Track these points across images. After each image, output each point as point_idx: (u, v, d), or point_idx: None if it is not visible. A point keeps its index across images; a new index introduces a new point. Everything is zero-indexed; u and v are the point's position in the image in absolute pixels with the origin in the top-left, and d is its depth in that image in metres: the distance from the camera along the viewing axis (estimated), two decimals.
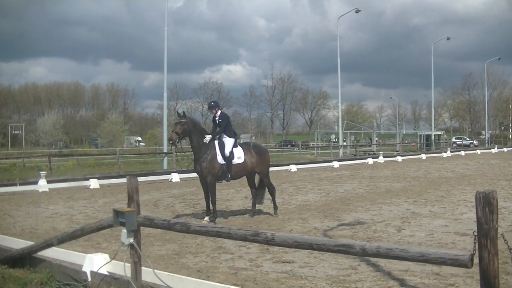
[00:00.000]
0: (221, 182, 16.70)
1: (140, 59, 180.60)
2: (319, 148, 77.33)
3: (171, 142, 16.04)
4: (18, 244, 10.99)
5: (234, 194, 22.67)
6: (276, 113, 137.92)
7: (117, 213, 7.75)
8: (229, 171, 15.82)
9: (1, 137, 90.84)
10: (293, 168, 38.48)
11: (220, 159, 15.72)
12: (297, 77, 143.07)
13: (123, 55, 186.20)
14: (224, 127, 16.21)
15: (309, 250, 7.71)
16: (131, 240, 7.60)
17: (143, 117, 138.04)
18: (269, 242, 6.31)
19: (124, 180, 19.70)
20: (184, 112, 16.11)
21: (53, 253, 9.88)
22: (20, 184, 26.15)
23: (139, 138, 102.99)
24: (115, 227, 8.01)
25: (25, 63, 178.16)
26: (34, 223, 15.90)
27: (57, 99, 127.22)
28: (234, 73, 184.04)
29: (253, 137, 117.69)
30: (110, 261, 8.53)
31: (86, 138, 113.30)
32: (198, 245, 11.97)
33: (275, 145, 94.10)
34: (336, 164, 43.05)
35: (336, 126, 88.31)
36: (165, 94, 48.99)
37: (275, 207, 17.01)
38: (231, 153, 15.89)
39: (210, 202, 15.93)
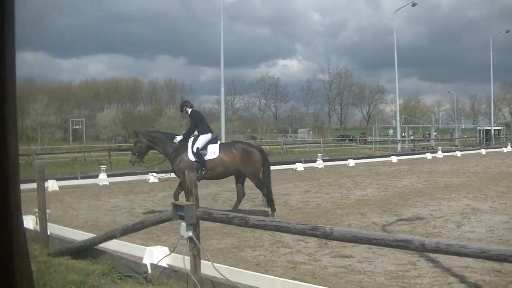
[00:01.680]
0: (199, 180, 16.24)
1: (195, 54, 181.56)
2: (377, 142, 76.60)
3: (131, 163, 16.62)
4: (80, 236, 11.21)
5: (292, 189, 22.61)
6: (333, 107, 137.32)
7: (177, 206, 7.79)
8: (202, 166, 15.57)
9: (63, 132, 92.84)
10: (351, 162, 38.20)
11: (190, 156, 15.65)
12: (353, 71, 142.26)
13: (179, 50, 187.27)
14: (195, 124, 16.15)
15: (367, 245, 7.62)
16: (190, 233, 7.62)
17: (201, 112, 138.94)
18: (328, 236, 6.24)
19: None
20: (135, 131, 16.82)
21: (114, 245, 10.03)
22: (81, 178, 26.68)
23: (197, 133, 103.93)
24: (174, 220, 8.05)
25: (84, 60, 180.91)
26: (96, 216, 16.19)
27: (116, 94, 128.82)
28: (290, 68, 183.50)
29: (311, 132, 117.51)
30: (170, 254, 8.60)
31: None
32: (257, 239, 11.97)
33: (333, 140, 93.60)
34: (394, 159, 42.61)
35: (393, 121, 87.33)
36: (222, 89, 49.35)
37: (235, 207, 15.96)
38: (204, 148, 15.70)
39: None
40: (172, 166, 16.04)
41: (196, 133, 16.14)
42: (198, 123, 16.19)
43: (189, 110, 16.44)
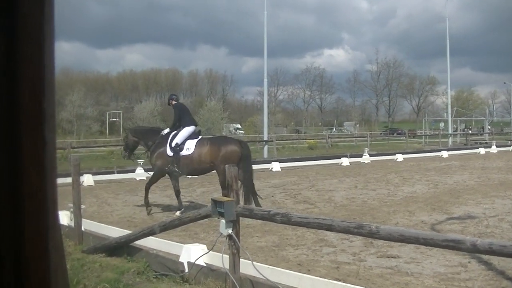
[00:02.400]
0: (180, 177, 16.50)
1: (237, 44, 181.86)
2: (427, 136, 75.78)
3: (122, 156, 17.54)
4: (115, 232, 11.38)
5: (337, 185, 22.55)
6: (381, 99, 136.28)
7: (216, 203, 7.84)
8: (176, 163, 15.62)
9: (99, 124, 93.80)
10: (400, 157, 37.92)
11: (168, 151, 15.73)
12: (402, 61, 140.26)
13: (220, 40, 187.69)
14: (178, 117, 16.31)
15: (415, 245, 7.57)
16: (230, 231, 7.67)
17: (242, 104, 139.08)
18: (374, 235, 6.23)
19: None
20: (124, 128, 17.76)
21: (150, 243, 10.15)
22: (118, 172, 26.96)
23: (239, 126, 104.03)
24: (213, 217, 8.11)
25: (121, 50, 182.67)
26: (131, 212, 16.40)
27: (155, 86, 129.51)
28: (336, 58, 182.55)
29: (357, 125, 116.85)
30: (208, 252, 8.65)
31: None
32: (299, 237, 11.99)
33: (381, 133, 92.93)
34: (445, 153, 42.16)
35: (445, 114, 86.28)
36: (265, 80, 49.28)
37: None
38: (183, 143, 15.74)
39: (176, 195, 16.19)
40: (150, 160, 16.36)
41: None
42: (182, 115, 16.35)
43: (174, 103, 16.76)
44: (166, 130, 16.37)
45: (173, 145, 15.67)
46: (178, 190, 16.16)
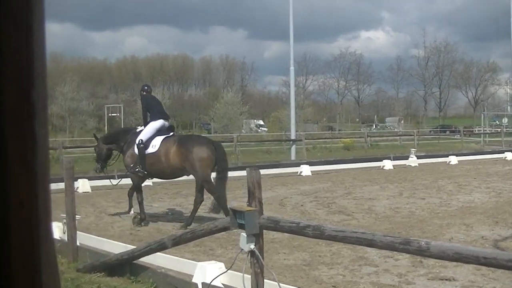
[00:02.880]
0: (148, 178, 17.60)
1: (258, 26, 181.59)
2: (487, 135, 75.37)
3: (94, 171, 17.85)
4: (117, 248, 11.39)
5: (378, 192, 22.49)
6: (430, 91, 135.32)
7: (235, 212, 7.83)
8: (140, 162, 15.95)
9: (96, 120, 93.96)
10: (453, 160, 37.78)
11: (135, 148, 16.07)
12: (456, 45, 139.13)
13: (237, 20, 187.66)
14: (145, 110, 16.87)
15: (475, 266, 7.51)
16: (252, 246, 7.65)
17: (265, 96, 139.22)
18: (423, 253, 6.18)
19: (243, 173, 19.99)
20: (94, 134, 18.51)
21: (158, 260, 10.16)
22: (119, 177, 27.01)
23: (261, 122, 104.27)
24: (233, 230, 8.11)
25: (120, 32, 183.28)
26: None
27: (161, 75, 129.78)
28: (375, 41, 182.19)
29: (402, 121, 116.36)
30: (226, 271, 8.65)
31: (197, 122, 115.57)
32: (334, 254, 11.96)
33: (430, 131, 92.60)
34: (509, 155, 41.87)
35: (509, 107, 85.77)
36: (291, 68, 49.19)
37: (188, 221, 15.75)
38: (148, 140, 16.04)
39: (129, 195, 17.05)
40: (124, 162, 16.76)
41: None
42: (149, 108, 16.67)
43: (143, 94, 17.31)
44: (140, 128, 16.66)
45: (137, 141, 16.02)
46: (135, 189, 16.62)
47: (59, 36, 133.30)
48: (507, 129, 72.98)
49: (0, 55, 1.10)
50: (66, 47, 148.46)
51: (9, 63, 1.10)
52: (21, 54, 1.12)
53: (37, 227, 1.14)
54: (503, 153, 43.66)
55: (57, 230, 12.23)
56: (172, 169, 16.01)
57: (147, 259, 9.97)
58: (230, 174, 28.79)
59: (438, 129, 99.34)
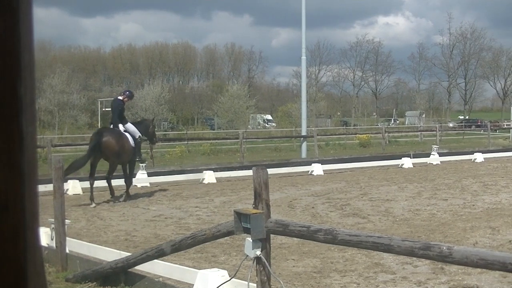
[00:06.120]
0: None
1: (265, 11, 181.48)
2: None
3: None
4: (110, 255, 11.41)
5: (397, 193, 22.51)
6: (455, 82, 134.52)
7: (240, 216, 7.84)
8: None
9: (89, 115, 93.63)
10: (479, 157, 37.75)
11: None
12: (484, 31, 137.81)
13: (243, 5, 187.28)
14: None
15: (501, 272, 7.53)
16: (258, 252, 7.68)
17: (274, 88, 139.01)
18: (445, 258, 6.20)
19: (249, 172, 19.97)
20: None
21: (155, 268, 10.18)
22: (113, 177, 26.98)
23: (269, 117, 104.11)
24: (237, 234, 8.13)
25: (114, 19, 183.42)
26: (131, 227, 16.50)
27: (161, 65, 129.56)
28: (394, 28, 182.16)
29: (423, 115, 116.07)
30: (230, 279, 8.68)
31: (199, 117, 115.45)
32: (347, 260, 11.99)
33: (453, 126, 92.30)
34: None
35: None
36: (303, 58, 49.03)
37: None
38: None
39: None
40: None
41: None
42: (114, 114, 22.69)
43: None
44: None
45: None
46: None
47: (46, 23, 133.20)
48: None
49: None
50: (55, 35, 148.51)
51: None
52: (6, 42, 1.13)
53: (22, 232, 1.15)
54: None
55: (45, 236, 12.16)
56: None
57: (143, 267, 9.99)
58: (235, 174, 29.01)
59: (463, 123, 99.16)
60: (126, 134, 21.70)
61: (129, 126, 22.19)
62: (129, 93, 23.79)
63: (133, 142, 21.79)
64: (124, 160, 21.89)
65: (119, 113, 22.27)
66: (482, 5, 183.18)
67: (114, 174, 21.91)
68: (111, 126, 22.31)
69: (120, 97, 22.86)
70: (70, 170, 20.27)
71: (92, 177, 21.00)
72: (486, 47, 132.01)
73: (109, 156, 21.30)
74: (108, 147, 20.88)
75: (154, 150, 40.27)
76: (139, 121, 26.06)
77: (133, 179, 26.21)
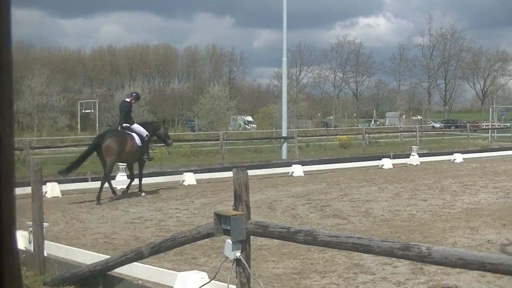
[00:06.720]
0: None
1: (246, 12, 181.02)
2: (495, 130, 75.48)
3: None
4: (88, 258, 11.38)
5: (377, 193, 22.57)
6: (435, 82, 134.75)
7: (220, 217, 7.84)
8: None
9: (68, 117, 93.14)
10: (458, 158, 37.93)
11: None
12: (464, 32, 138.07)
13: (224, 6, 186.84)
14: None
15: (480, 272, 7.57)
16: (238, 254, 7.68)
17: (255, 90, 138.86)
18: (424, 259, 6.23)
19: (229, 174, 19.99)
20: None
21: (134, 271, 10.17)
22: (92, 180, 26.89)
23: (250, 118, 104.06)
24: (217, 236, 8.13)
25: (94, 20, 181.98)
26: (110, 230, 16.47)
27: (141, 67, 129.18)
28: (375, 29, 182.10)
29: (403, 116, 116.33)
30: (210, 281, 8.67)
31: (180, 119, 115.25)
32: (327, 261, 12.02)
33: (433, 126, 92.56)
34: None
35: None
36: (284, 59, 48.99)
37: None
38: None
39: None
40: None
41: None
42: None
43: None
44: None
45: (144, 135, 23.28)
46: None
47: (25, 23, 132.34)
48: None
49: None
50: (34, 36, 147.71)
51: None
52: None
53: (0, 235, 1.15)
54: None
55: (22, 239, 12.06)
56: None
57: (122, 270, 9.96)
58: (216, 175, 29.02)
59: (443, 124, 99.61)
60: (133, 134, 22.85)
61: (136, 126, 23.40)
62: (136, 95, 24.93)
63: (140, 141, 22.97)
64: (128, 159, 23.37)
65: (125, 114, 23.59)
66: (461, 6, 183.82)
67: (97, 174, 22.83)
68: (119, 127, 23.72)
69: (127, 99, 24.19)
70: (70, 170, 22.22)
71: (106, 177, 22.18)
72: (465, 48, 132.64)
73: (109, 155, 22.04)
74: (108, 147, 21.91)
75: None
76: (148, 122, 27.94)
77: (112, 181, 26.21)
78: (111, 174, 23.19)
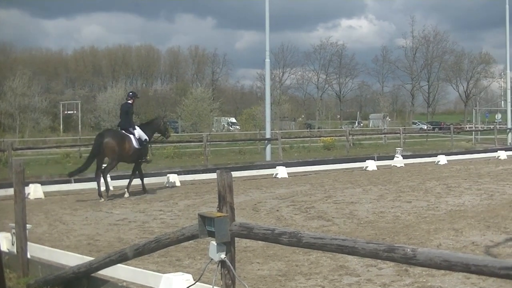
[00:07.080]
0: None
1: (228, 13, 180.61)
2: (479, 132, 75.76)
3: None
4: (72, 260, 11.32)
5: (361, 195, 22.59)
6: (418, 84, 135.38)
7: (204, 219, 7.81)
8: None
9: (51, 119, 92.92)
10: (442, 159, 38.03)
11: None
12: (446, 34, 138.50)
13: (205, 7, 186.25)
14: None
15: (464, 274, 7.58)
16: (223, 255, 7.66)
17: (238, 91, 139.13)
18: (409, 260, 6.22)
19: (213, 175, 19.98)
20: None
21: (118, 273, 10.12)
22: (76, 181, 26.79)
23: (233, 120, 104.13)
24: (201, 238, 8.09)
25: (76, 20, 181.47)
26: (94, 232, 16.42)
27: (124, 68, 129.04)
28: (357, 31, 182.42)
29: (387, 118, 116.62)
30: (194, 283, 8.64)
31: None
32: (312, 263, 12.01)
33: (420, 128, 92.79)
34: (503, 154, 42.16)
35: (502, 102, 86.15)
36: (267, 60, 49.02)
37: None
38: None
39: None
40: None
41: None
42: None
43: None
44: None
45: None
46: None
47: (6, 24, 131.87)
48: (501, 126, 73.22)
49: None
50: (16, 37, 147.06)
51: None
52: None
53: None
54: (496, 151, 43.97)
55: (5, 241, 12.04)
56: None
57: (106, 272, 9.91)
58: (199, 177, 29.03)
59: (427, 126, 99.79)
60: (131, 136, 23.71)
61: (137, 131, 24.19)
62: (132, 94, 25.74)
63: (139, 145, 23.87)
64: (125, 160, 24.27)
65: (126, 116, 24.50)
66: (444, 8, 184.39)
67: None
68: (119, 128, 24.68)
69: (129, 101, 24.94)
70: (76, 173, 23.82)
71: (98, 176, 23.07)
72: (448, 50, 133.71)
73: (109, 155, 23.18)
74: (108, 147, 22.93)
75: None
76: (149, 121, 27.70)
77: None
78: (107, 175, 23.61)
